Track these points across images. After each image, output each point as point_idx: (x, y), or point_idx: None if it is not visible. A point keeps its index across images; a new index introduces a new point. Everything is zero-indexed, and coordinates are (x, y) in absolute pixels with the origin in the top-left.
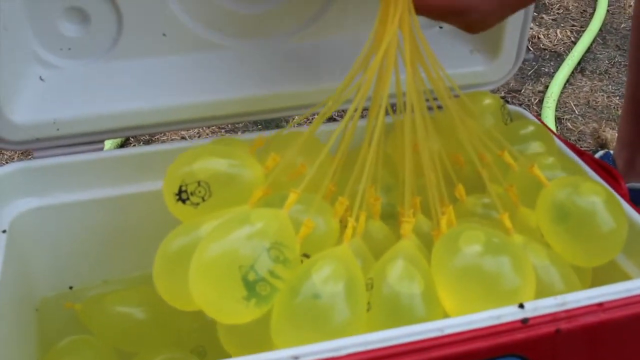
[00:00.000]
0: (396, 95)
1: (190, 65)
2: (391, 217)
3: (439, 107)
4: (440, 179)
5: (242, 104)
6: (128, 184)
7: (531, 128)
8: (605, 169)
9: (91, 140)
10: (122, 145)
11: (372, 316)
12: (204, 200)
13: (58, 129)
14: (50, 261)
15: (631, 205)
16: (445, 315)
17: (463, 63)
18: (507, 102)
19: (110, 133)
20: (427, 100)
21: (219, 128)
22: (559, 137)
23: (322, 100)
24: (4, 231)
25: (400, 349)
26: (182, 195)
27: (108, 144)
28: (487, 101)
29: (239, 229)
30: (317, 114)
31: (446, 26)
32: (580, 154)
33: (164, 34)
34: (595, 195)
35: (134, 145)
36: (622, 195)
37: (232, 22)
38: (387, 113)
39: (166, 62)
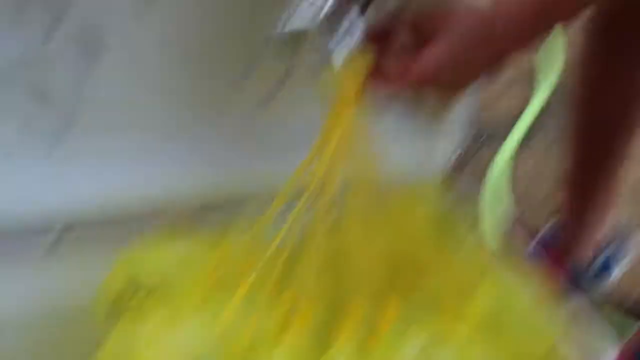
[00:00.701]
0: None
1: (145, 149)
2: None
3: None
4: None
5: (198, 188)
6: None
7: (470, 220)
8: (545, 256)
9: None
10: None
11: None
12: (139, 306)
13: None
14: None
15: (568, 294)
16: None
17: (405, 151)
18: (458, 171)
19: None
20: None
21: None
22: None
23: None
24: None
25: None
26: (115, 302)
27: None
28: (427, 192)
29: (175, 336)
30: None
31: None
32: (520, 240)
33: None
34: (527, 292)
35: None
36: (558, 283)
37: (188, 104)
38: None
39: (122, 145)
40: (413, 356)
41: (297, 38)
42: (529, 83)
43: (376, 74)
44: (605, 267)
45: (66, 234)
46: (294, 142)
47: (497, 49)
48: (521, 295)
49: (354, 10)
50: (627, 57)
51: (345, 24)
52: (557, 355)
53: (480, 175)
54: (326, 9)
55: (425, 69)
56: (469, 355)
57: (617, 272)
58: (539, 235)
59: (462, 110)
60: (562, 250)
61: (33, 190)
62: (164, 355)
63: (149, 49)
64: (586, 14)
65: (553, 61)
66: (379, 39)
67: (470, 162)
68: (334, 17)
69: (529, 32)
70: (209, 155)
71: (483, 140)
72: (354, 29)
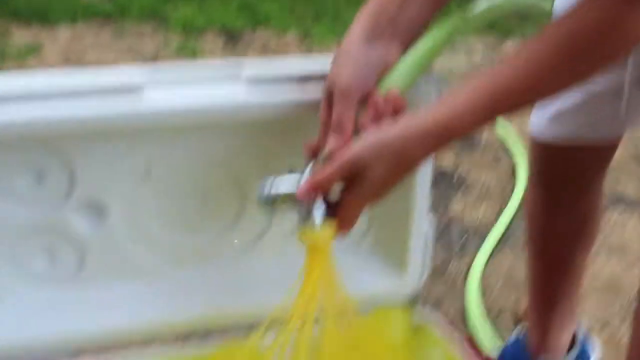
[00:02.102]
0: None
1: (144, 290)
2: None
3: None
4: None
5: (191, 322)
6: None
7: (433, 339)
8: None
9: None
10: None
11: None
12: None
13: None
14: None
15: None
16: None
17: (377, 276)
18: (435, 278)
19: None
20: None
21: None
22: (466, 343)
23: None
24: None
25: None
26: None
27: None
28: (394, 316)
29: None
30: None
31: (363, 244)
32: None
33: (121, 265)
34: None
35: None
36: None
37: (180, 253)
38: None
39: (124, 288)
40: None
41: (281, 200)
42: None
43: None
44: None
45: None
46: (275, 284)
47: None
48: None
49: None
50: (571, 189)
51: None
52: None
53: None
54: (304, 177)
55: (348, 217)
56: None
57: None
58: (508, 339)
59: (419, 255)
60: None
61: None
62: None
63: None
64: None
65: None
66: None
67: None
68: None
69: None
70: (199, 292)
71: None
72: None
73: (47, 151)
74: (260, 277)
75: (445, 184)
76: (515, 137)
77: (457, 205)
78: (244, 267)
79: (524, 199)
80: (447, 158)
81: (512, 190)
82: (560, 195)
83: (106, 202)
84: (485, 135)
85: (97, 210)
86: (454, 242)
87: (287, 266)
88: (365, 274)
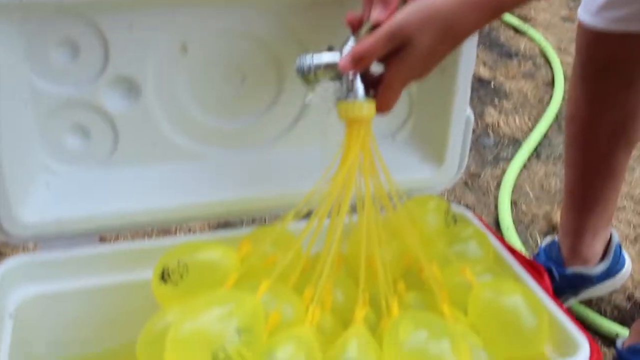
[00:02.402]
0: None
1: (178, 173)
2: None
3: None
4: (388, 276)
5: (224, 206)
6: (120, 274)
7: (470, 231)
8: (531, 266)
9: (89, 235)
10: None
11: None
12: (182, 278)
13: (60, 227)
14: (50, 341)
15: (553, 298)
16: None
17: (414, 169)
18: (468, 184)
19: (105, 230)
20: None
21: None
22: (496, 236)
23: (295, 202)
24: (11, 316)
25: None
26: (164, 275)
27: None
28: (432, 205)
29: (214, 309)
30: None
31: (399, 137)
32: (512, 252)
33: (153, 147)
34: (516, 297)
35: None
36: (545, 289)
37: (213, 135)
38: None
39: (157, 170)
40: (417, 340)
41: (321, 72)
42: (534, 105)
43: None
44: (603, 276)
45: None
46: (308, 170)
47: (458, 40)
48: (517, 294)
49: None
50: (616, 81)
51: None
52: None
53: (495, 180)
54: (346, 49)
55: (389, 93)
56: (468, 342)
57: (614, 282)
58: (539, 247)
59: (458, 147)
60: (560, 261)
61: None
62: (196, 327)
63: (180, 91)
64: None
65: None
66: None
67: (486, 168)
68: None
69: (488, 19)
70: (235, 176)
71: (497, 149)
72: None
73: (83, 24)
74: (296, 164)
75: (482, 92)
76: (552, 48)
77: (492, 114)
78: (281, 152)
79: (565, 99)
80: (484, 67)
81: (548, 101)
82: (605, 88)
83: (140, 79)
84: (522, 45)
85: (130, 86)
86: (488, 150)
87: (325, 152)
88: (402, 165)
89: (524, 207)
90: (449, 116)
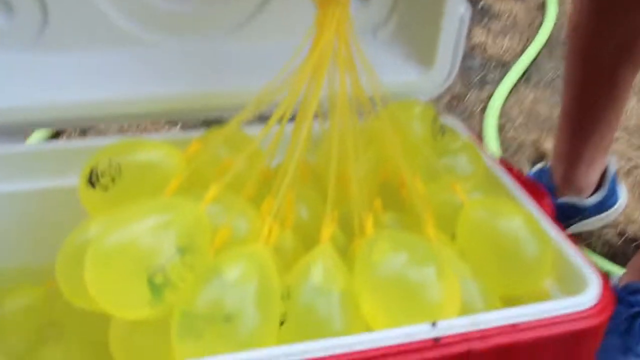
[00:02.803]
0: (327, 101)
1: (119, 60)
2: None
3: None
4: (362, 190)
5: (172, 101)
6: (48, 178)
7: (460, 143)
8: (530, 186)
9: (14, 131)
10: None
11: (286, 329)
12: (113, 181)
13: None
14: None
15: (556, 224)
16: (367, 330)
17: (397, 72)
18: (452, 106)
19: (34, 125)
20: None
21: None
22: (488, 153)
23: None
24: None
25: None
26: (92, 178)
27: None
28: (417, 110)
29: (149, 219)
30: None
31: (381, 33)
32: (508, 169)
33: (91, 29)
34: (516, 219)
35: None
36: (548, 212)
37: (164, 20)
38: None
39: (96, 56)
40: (394, 264)
41: None
42: (524, 27)
43: None
44: (596, 209)
45: None
46: (272, 65)
47: None
48: (517, 215)
49: None
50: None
51: None
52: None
53: (481, 103)
54: None
55: None
56: (455, 270)
57: (607, 215)
58: (528, 174)
59: (451, 46)
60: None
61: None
62: (129, 244)
63: None
64: None
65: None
66: None
67: (471, 90)
68: None
69: None
70: (183, 70)
71: (484, 72)
72: None
73: None
74: (258, 58)
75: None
76: None
77: (479, 35)
78: (242, 45)
79: (568, 11)
80: None
81: (539, 25)
82: (612, 5)
83: None
84: None
85: None
86: (474, 72)
87: (291, 48)
88: (384, 65)
89: (511, 133)
90: (441, 9)
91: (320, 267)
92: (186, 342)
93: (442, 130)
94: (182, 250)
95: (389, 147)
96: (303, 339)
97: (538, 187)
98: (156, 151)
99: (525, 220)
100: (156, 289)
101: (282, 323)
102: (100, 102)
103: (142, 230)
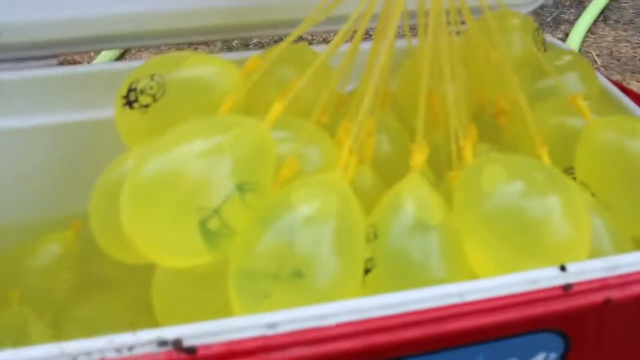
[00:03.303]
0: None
1: None
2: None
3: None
4: (460, 114)
5: (223, 15)
6: (85, 108)
7: (568, 58)
8: None
9: (43, 53)
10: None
11: (374, 278)
12: (155, 100)
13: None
14: None
15: None
16: (473, 277)
17: None
18: None
19: (64, 45)
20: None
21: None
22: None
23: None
24: None
25: (405, 319)
26: (130, 96)
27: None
28: (517, 22)
29: (198, 142)
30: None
31: None
32: (624, 91)
33: None
34: None
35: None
36: None
37: None
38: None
39: None
40: (511, 193)
41: None
42: None
43: None
44: None
45: None
46: None
47: None
48: None
49: None
50: None
51: None
52: None
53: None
54: None
55: None
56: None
57: None
58: None
59: None
60: None
61: None
62: (175, 177)
63: None
64: None
65: None
66: None
67: (545, 31)
68: None
69: None
70: None
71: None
72: None
73: None
74: None
75: None
76: None
77: None
78: None
79: None
80: None
81: None
82: None
83: None
84: None
85: None
86: (547, 11)
87: None
88: None
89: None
90: None
91: (413, 199)
92: (249, 302)
93: (544, 45)
94: (243, 186)
95: (485, 64)
96: (396, 290)
97: None
98: (209, 66)
99: None
100: (211, 236)
101: (367, 271)
102: (133, 17)
103: (190, 157)
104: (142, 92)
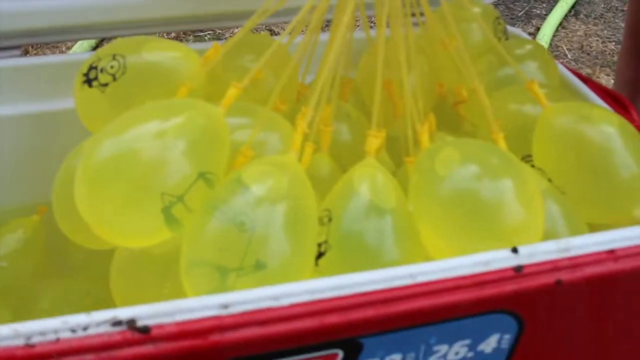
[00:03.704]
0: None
1: None
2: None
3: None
4: (417, 103)
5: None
6: (47, 98)
7: (529, 47)
8: (613, 97)
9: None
10: None
11: (331, 260)
12: (114, 79)
13: None
14: None
15: None
16: (427, 260)
17: None
18: None
19: (30, 36)
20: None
21: None
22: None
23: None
24: None
25: (358, 300)
26: (89, 75)
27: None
28: (476, 11)
29: (155, 123)
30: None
31: None
32: (584, 80)
33: None
34: (610, 126)
35: None
36: (636, 127)
37: None
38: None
39: None
40: (466, 176)
41: None
42: None
43: None
44: None
45: None
46: None
47: None
48: (612, 123)
49: None
50: None
51: None
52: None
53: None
54: None
55: None
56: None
57: None
58: None
59: None
60: None
61: None
62: (139, 164)
63: None
64: None
65: None
66: None
67: (517, 25)
68: None
69: None
70: None
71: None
72: None
73: None
74: None
75: None
76: None
77: None
78: None
79: None
80: None
81: None
82: None
83: None
84: None
85: None
86: (518, 5)
87: None
88: None
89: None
90: None
91: (368, 183)
92: (199, 286)
93: (506, 34)
94: (205, 175)
95: (443, 53)
96: (349, 272)
97: (621, 99)
98: (171, 51)
99: (621, 126)
100: (174, 221)
101: (322, 254)
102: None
103: (144, 140)
104: (103, 70)
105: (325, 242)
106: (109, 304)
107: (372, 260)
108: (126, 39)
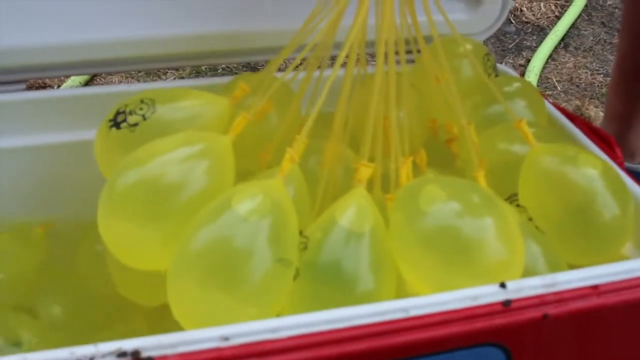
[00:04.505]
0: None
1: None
2: None
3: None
4: (405, 139)
5: (199, 41)
6: (55, 131)
7: (517, 85)
8: (599, 136)
9: (13, 79)
10: None
11: (298, 287)
12: (144, 119)
13: None
14: None
15: (632, 178)
16: (399, 293)
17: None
18: None
19: (37, 71)
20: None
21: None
22: (548, 99)
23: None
24: None
25: (353, 333)
26: (117, 118)
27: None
28: (468, 47)
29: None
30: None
31: None
32: (571, 118)
33: None
34: (591, 169)
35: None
36: (619, 165)
37: None
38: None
39: None
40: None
41: None
42: None
43: None
44: None
45: None
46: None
47: None
48: (596, 165)
49: None
50: None
51: None
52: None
53: (518, 70)
54: None
55: None
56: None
57: None
58: None
59: None
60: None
61: None
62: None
63: None
64: None
65: None
66: None
67: (507, 57)
68: None
69: None
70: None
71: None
72: None
73: None
74: None
75: None
76: None
77: None
78: None
79: None
80: None
81: None
82: None
83: None
84: None
85: None
86: (509, 38)
87: None
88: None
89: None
90: None
91: (346, 212)
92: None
93: (495, 70)
94: None
95: (434, 90)
96: (319, 298)
97: (606, 137)
98: (198, 97)
99: (605, 170)
100: None
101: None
102: (113, 42)
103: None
104: (132, 113)
105: (296, 269)
106: None
107: (336, 287)
108: (151, 90)
